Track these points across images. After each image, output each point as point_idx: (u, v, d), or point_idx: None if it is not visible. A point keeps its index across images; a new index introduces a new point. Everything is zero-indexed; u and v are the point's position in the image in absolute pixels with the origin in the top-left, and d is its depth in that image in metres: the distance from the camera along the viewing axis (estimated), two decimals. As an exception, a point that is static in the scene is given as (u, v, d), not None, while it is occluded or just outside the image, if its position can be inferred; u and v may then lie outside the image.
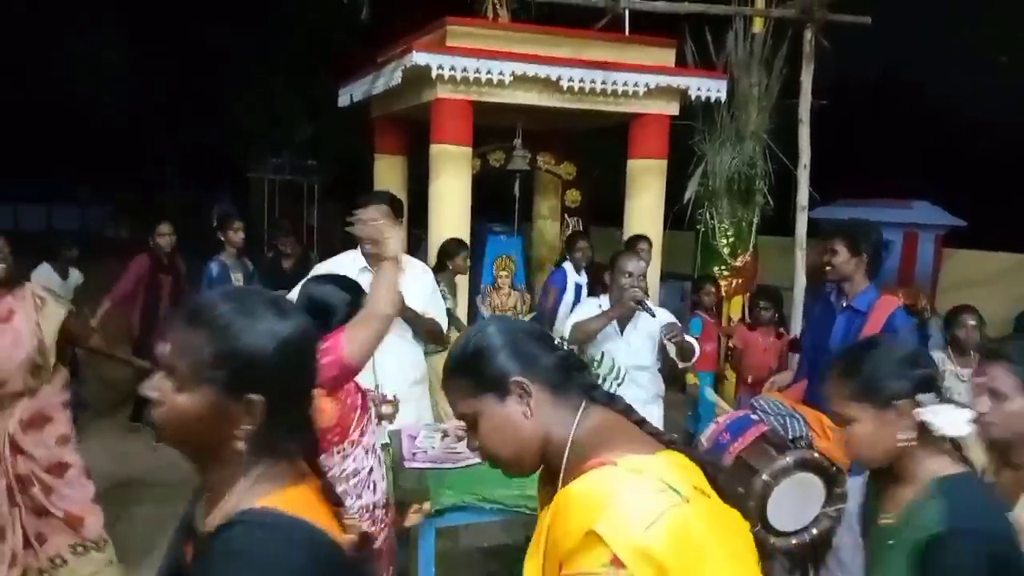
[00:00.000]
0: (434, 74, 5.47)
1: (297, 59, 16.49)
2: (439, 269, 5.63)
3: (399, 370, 3.65)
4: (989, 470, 2.06)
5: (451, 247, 5.69)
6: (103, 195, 24.84)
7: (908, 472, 1.73)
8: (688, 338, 3.98)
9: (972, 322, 4.82)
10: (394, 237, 2.67)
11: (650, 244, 5.99)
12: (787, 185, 7.29)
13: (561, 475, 1.34)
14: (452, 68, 5.48)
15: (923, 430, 1.70)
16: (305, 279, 2.89)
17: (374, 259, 3.63)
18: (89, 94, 18.57)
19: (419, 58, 5.41)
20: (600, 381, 3.32)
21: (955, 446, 1.81)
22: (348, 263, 3.59)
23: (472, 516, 2.95)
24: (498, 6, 6.40)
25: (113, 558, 3.59)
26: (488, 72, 5.56)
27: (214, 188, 21.28)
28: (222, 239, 6.09)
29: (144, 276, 6.02)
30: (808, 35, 6.59)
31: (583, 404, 1.40)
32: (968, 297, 6.02)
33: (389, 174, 7.53)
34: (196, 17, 17.09)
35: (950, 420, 1.68)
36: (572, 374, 1.43)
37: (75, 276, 6.43)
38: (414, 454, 3.18)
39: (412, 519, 2.79)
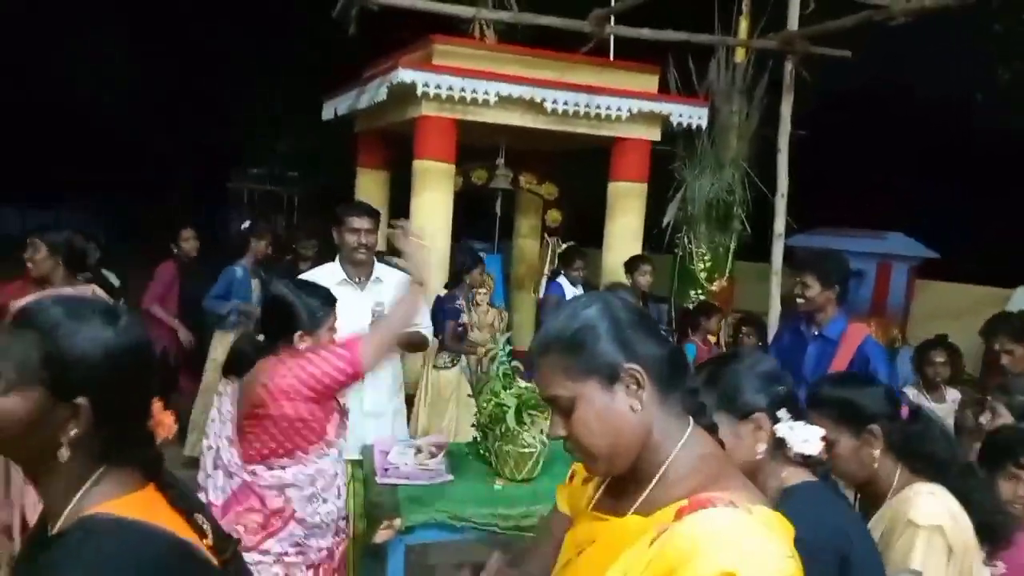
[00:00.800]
0: (419, 91, 5.50)
1: (283, 72, 16.49)
2: (455, 283, 5.66)
3: (383, 382, 3.65)
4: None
5: (467, 261, 5.72)
6: (77, 201, 24.55)
7: (761, 484, 1.71)
8: None
9: (940, 359, 4.86)
10: (426, 269, 2.75)
11: (652, 267, 6.05)
12: (764, 212, 7.38)
13: (650, 488, 1.23)
14: (437, 86, 5.52)
15: (779, 445, 1.72)
16: (279, 282, 2.88)
17: (361, 269, 3.69)
18: (75, 101, 18.45)
19: (405, 75, 5.44)
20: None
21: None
22: (327, 275, 3.59)
23: (443, 534, 2.94)
24: (485, 27, 6.46)
25: None
26: (473, 91, 5.60)
27: (193, 197, 21.16)
28: (251, 245, 6.01)
29: (171, 282, 5.98)
30: (788, 66, 6.70)
31: (691, 422, 1.29)
32: (940, 329, 6.11)
33: (371, 188, 7.54)
34: (184, 30, 17.05)
35: (803, 437, 1.71)
36: (681, 374, 1.31)
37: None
38: (386, 469, 3.18)
39: (383, 535, 2.78)
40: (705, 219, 7.73)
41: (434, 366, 5.32)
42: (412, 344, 3.71)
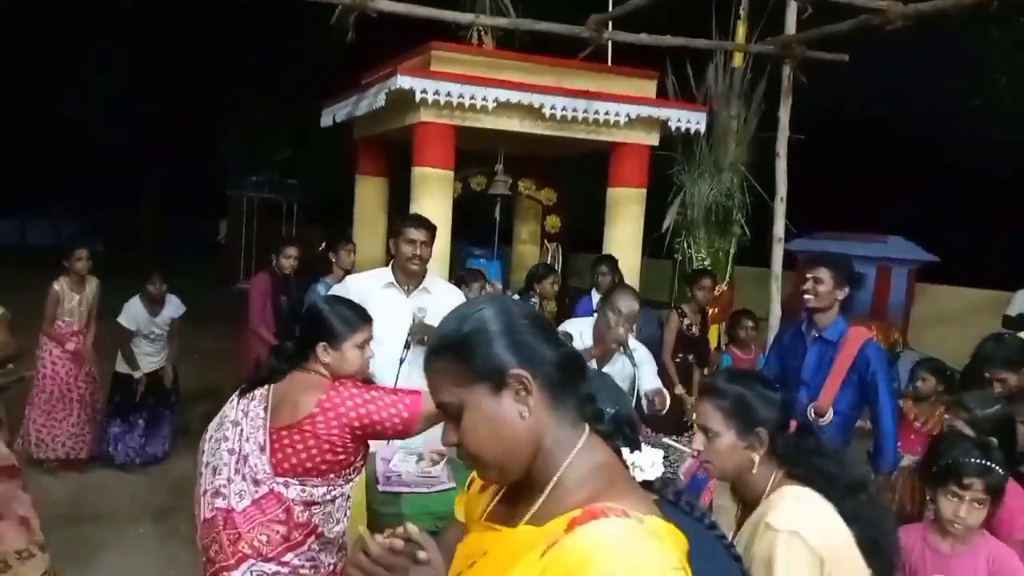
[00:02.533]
0: (418, 98, 5.51)
1: (281, 78, 16.50)
2: (526, 290, 5.64)
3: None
4: (736, 515, 2.12)
5: (539, 271, 5.69)
6: (76, 209, 24.57)
7: None
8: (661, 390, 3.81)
9: (927, 376, 4.73)
10: None
11: (611, 266, 5.94)
12: (764, 216, 7.38)
13: (543, 498, 1.19)
14: (436, 92, 5.52)
15: None
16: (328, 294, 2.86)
17: (412, 278, 3.79)
18: (70, 109, 18.43)
19: (403, 81, 5.44)
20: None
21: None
22: (376, 277, 3.83)
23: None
24: (483, 33, 6.46)
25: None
26: (472, 97, 5.60)
27: (194, 205, 21.17)
28: (332, 259, 5.90)
29: (267, 295, 5.93)
30: (786, 70, 6.71)
31: (587, 429, 1.25)
32: (940, 332, 6.13)
33: (371, 195, 7.54)
34: (181, 38, 17.06)
35: (632, 463, 1.56)
36: (577, 379, 1.26)
37: (169, 311, 6.08)
38: (388, 477, 3.17)
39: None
40: (704, 224, 7.73)
41: None
42: None
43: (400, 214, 5.88)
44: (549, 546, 1.10)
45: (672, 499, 1.63)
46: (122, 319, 5.86)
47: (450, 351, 1.23)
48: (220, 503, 2.44)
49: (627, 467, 1.31)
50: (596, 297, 5.96)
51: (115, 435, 5.89)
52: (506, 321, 1.22)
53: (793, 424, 2.05)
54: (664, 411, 3.81)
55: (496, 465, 1.22)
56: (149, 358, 6.00)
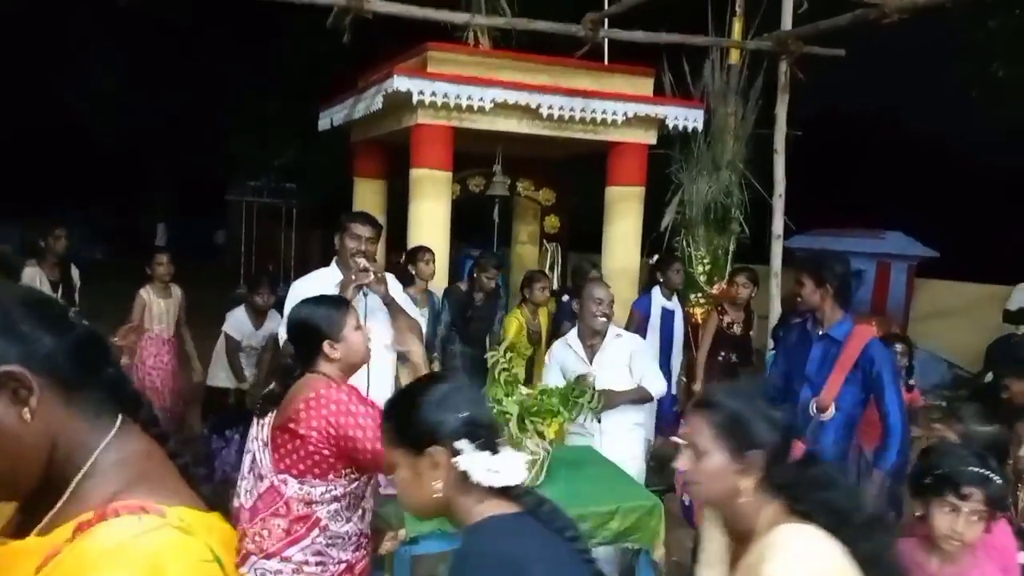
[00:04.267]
0: (415, 99, 5.50)
1: (279, 82, 16.50)
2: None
3: (390, 390, 3.65)
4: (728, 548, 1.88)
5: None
6: (80, 215, 24.54)
7: (458, 522, 1.60)
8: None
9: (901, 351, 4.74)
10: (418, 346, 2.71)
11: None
12: (762, 214, 7.37)
13: (60, 503, 1.02)
14: (433, 94, 5.51)
15: (465, 479, 1.54)
16: (292, 306, 2.81)
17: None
18: (73, 113, 18.45)
19: (400, 83, 5.43)
20: (580, 411, 3.32)
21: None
22: (326, 277, 3.67)
23: (447, 544, 2.92)
24: (479, 33, 6.45)
25: None
26: (469, 98, 5.59)
27: (194, 210, 21.17)
28: (412, 272, 5.60)
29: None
30: (783, 66, 6.70)
31: (119, 419, 1.08)
32: (940, 327, 6.12)
33: (369, 198, 7.53)
34: (179, 43, 17.07)
35: (489, 467, 1.53)
36: (96, 365, 1.09)
37: (271, 325, 5.68)
38: (390, 480, 3.15)
39: (387, 547, 2.76)
40: (703, 222, 7.71)
41: None
42: (414, 329, 3.67)
43: (398, 220, 5.86)
44: (47, 559, 0.96)
45: (532, 507, 1.56)
46: (228, 328, 5.56)
47: None
48: (235, 502, 2.51)
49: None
50: (657, 295, 5.99)
51: (213, 451, 5.54)
52: None
53: (799, 449, 1.89)
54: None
55: (2, 481, 1.03)
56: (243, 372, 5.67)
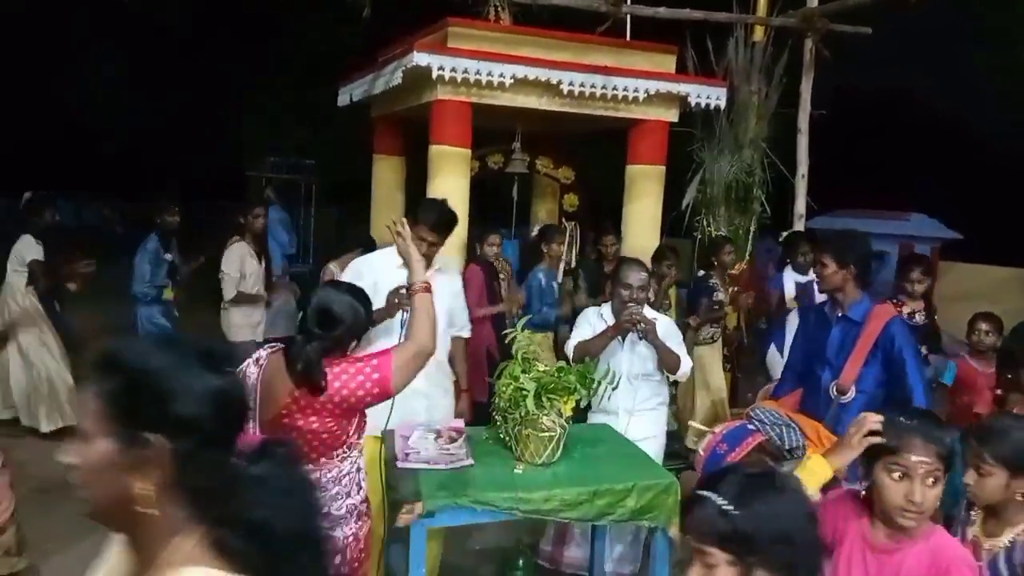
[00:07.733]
0: (434, 75, 5.46)
1: (299, 57, 16.47)
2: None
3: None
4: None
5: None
6: (96, 193, 24.69)
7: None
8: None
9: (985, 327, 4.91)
10: (419, 266, 2.81)
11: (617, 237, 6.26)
12: (785, 194, 7.30)
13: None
14: (453, 69, 5.47)
15: None
16: (324, 283, 2.91)
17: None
18: (94, 97, 18.53)
19: (420, 58, 5.39)
20: (596, 387, 3.32)
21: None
22: (388, 258, 3.88)
23: (464, 517, 2.93)
24: (500, 8, 6.40)
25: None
26: (489, 74, 5.54)
27: (212, 186, 21.18)
28: (544, 250, 6.14)
29: (484, 286, 5.98)
30: (808, 44, 6.61)
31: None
32: (963, 309, 6.00)
33: (388, 175, 7.52)
34: (199, 19, 17.07)
35: None
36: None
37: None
38: (407, 454, 3.16)
39: (404, 519, 2.78)
40: (725, 201, 7.64)
41: (695, 343, 6.03)
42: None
43: (417, 197, 5.88)
44: None
45: None
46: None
47: None
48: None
49: None
50: (788, 273, 6.23)
51: None
52: None
53: None
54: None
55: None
56: None
